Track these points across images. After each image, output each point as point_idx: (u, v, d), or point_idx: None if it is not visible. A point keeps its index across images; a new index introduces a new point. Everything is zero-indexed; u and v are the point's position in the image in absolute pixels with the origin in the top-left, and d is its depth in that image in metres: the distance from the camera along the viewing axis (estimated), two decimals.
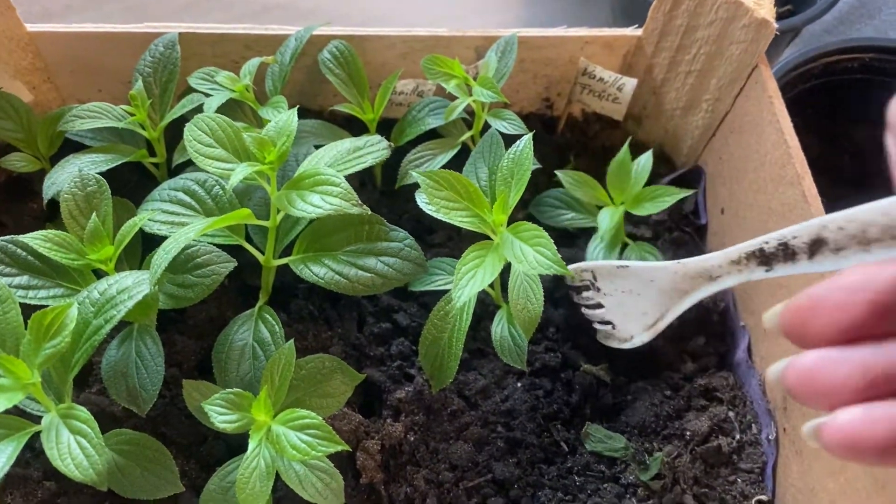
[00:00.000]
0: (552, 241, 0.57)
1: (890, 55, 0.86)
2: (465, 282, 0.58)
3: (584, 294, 0.73)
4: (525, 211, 0.85)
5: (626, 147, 0.74)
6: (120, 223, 0.65)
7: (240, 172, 0.58)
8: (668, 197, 0.73)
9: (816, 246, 0.47)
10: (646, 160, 0.75)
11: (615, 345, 0.73)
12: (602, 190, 0.76)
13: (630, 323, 0.71)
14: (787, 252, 0.50)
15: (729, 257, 0.58)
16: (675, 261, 0.65)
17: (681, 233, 0.84)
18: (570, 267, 0.73)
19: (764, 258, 0.52)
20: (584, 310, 0.74)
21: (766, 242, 0.51)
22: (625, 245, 0.78)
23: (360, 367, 0.74)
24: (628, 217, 0.83)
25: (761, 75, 0.75)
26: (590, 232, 0.80)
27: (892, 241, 0.42)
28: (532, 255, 0.57)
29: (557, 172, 0.76)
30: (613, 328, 0.72)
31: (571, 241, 0.83)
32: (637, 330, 0.70)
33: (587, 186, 0.76)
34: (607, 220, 0.73)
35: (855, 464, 0.59)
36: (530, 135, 0.62)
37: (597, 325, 0.74)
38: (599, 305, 0.72)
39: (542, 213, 0.81)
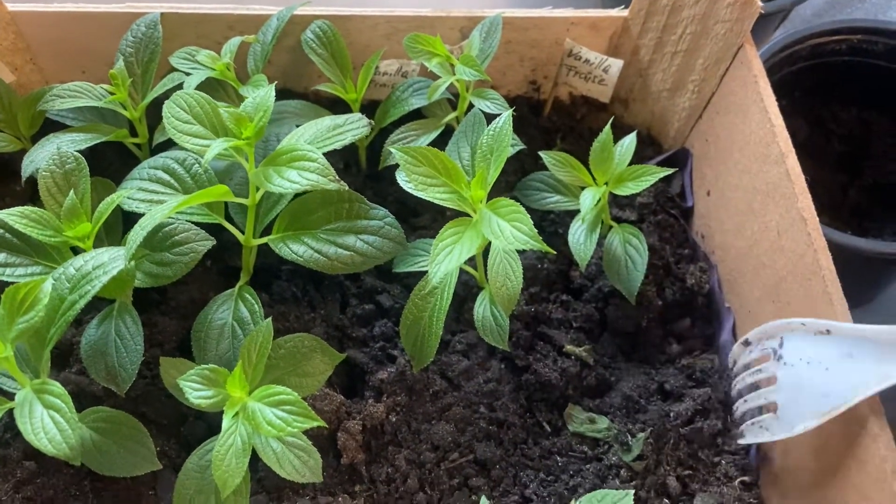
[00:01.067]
0: (528, 216, 0.56)
1: (877, 37, 0.85)
2: (442, 258, 0.57)
3: (761, 367, 0.62)
4: (510, 193, 0.84)
5: (608, 128, 0.74)
6: (100, 202, 0.65)
7: (216, 147, 0.58)
8: (649, 176, 0.73)
9: None
10: (630, 141, 0.74)
11: (765, 438, 0.63)
12: (585, 171, 0.76)
13: (801, 406, 0.58)
14: None
15: None
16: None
17: (666, 215, 0.83)
18: (757, 331, 0.66)
19: None
20: (743, 393, 0.64)
21: None
22: (609, 228, 0.77)
23: (342, 348, 0.73)
24: (614, 200, 0.83)
25: (746, 55, 0.75)
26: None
27: None
28: (509, 231, 0.56)
29: (541, 154, 0.76)
30: (775, 413, 0.61)
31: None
32: (806, 416, 0.58)
33: (570, 167, 0.75)
34: (589, 200, 0.72)
35: (837, 443, 0.59)
36: (510, 111, 0.62)
37: (745, 415, 0.64)
38: (771, 380, 0.61)
39: (527, 197, 0.81)
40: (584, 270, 0.76)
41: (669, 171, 0.73)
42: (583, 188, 0.77)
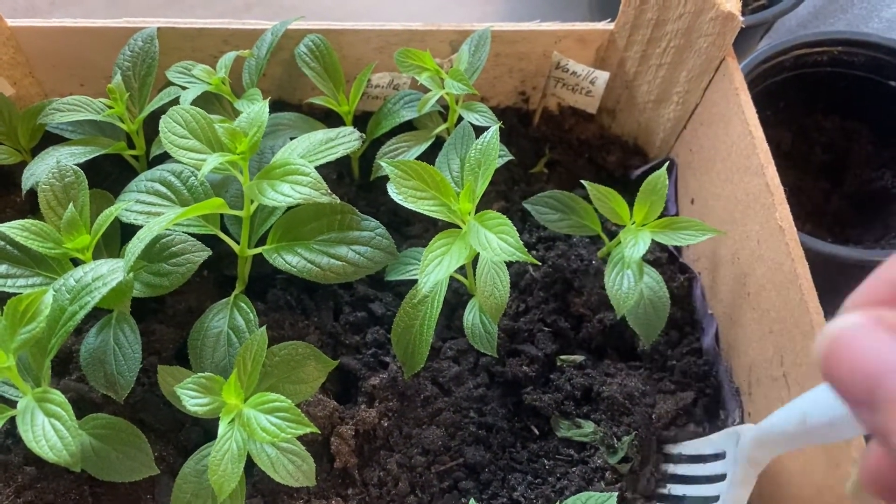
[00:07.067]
0: (515, 229, 0.58)
1: (857, 48, 0.87)
2: (432, 268, 0.59)
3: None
4: (502, 202, 0.86)
5: (663, 171, 0.71)
6: (99, 214, 0.67)
7: (211, 162, 0.60)
8: (696, 231, 0.70)
9: None
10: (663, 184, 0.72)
11: None
12: (627, 210, 0.73)
13: None
14: None
15: None
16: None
17: None
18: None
19: None
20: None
21: None
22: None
23: (335, 355, 0.75)
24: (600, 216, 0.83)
25: (728, 68, 0.77)
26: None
27: None
28: (496, 243, 0.58)
29: (585, 183, 0.73)
30: None
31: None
32: None
33: (613, 204, 0.73)
34: (642, 248, 0.68)
35: (812, 446, 0.61)
36: (497, 125, 0.64)
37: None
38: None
39: (540, 214, 0.77)
40: (618, 317, 0.72)
41: (719, 234, 0.72)
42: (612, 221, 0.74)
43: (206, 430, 0.71)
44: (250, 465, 0.63)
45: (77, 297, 0.60)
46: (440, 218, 0.62)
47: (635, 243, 0.69)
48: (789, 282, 0.65)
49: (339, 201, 0.61)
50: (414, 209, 0.62)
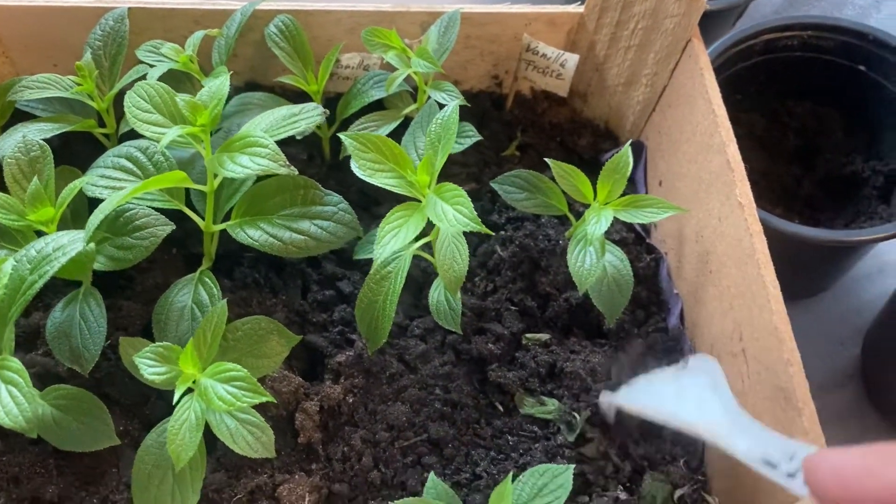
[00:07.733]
0: (470, 200, 0.59)
1: (827, 33, 0.88)
2: (388, 239, 0.60)
3: None
4: (473, 184, 0.87)
5: (626, 148, 0.71)
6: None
7: (171, 134, 0.60)
8: (658, 209, 0.71)
9: None
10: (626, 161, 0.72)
11: None
12: (590, 188, 0.73)
13: None
14: None
15: None
16: None
17: None
18: None
19: None
20: None
21: None
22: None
23: (302, 333, 0.75)
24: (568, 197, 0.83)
25: (694, 49, 0.77)
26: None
27: None
28: (452, 214, 0.59)
29: (549, 161, 0.72)
30: None
31: None
32: None
33: (576, 183, 0.72)
34: (604, 225, 0.68)
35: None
36: (457, 101, 0.64)
37: None
38: None
39: (507, 194, 0.77)
40: (580, 294, 0.72)
41: (682, 211, 0.71)
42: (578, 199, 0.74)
43: (170, 404, 0.71)
44: (216, 440, 0.64)
45: (37, 267, 0.60)
46: (398, 191, 0.63)
47: (597, 220, 0.69)
48: (748, 257, 0.65)
49: (297, 173, 0.62)
50: (372, 182, 0.62)
